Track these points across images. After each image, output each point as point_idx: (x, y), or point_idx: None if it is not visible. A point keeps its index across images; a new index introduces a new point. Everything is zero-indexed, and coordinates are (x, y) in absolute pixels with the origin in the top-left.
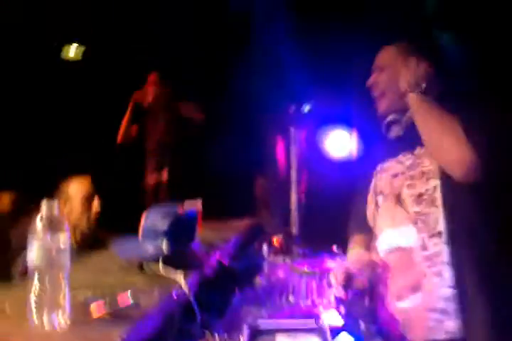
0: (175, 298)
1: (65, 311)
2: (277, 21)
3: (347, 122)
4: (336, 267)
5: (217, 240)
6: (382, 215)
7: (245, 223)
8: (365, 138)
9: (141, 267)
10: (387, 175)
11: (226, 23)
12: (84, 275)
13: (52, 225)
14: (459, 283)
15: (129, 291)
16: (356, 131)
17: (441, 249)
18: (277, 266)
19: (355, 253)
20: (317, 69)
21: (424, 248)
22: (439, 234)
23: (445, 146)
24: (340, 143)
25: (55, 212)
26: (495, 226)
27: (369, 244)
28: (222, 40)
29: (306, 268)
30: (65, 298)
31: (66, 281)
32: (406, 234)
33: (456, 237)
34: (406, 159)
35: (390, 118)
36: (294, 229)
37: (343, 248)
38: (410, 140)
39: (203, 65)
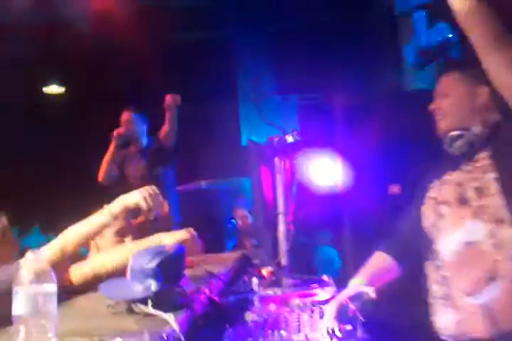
0: (165, 338)
1: None
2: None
3: (332, 151)
4: (329, 299)
5: (205, 275)
6: (447, 219)
7: (233, 256)
8: (351, 166)
9: (130, 308)
10: (450, 185)
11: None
12: (72, 320)
13: (38, 275)
14: None
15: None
16: (342, 160)
17: (509, 233)
18: (268, 299)
19: (355, 284)
20: (301, 98)
21: (492, 236)
22: (503, 220)
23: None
24: (326, 172)
25: (41, 262)
26: None
27: (379, 270)
28: (204, 70)
29: (297, 301)
30: None
31: (53, 328)
32: (472, 229)
33: None
34: (469, 169)
35: (453, 134)
36: (283, 260)
37: (333, 277)
38: (472, 153)
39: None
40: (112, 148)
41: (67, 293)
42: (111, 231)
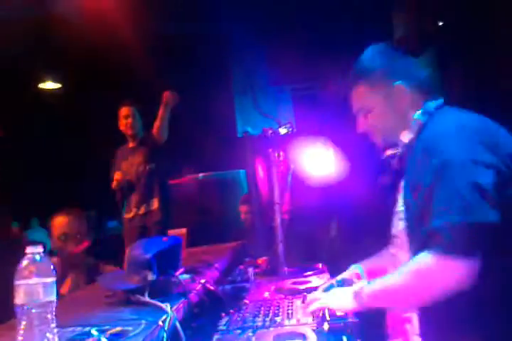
0: (161, 325)
1: None
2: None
3: (326, 141)
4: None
5: (201, 265)
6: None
7: (229, 246)
8: (345, 155)
9: (127, 298)
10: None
11: (204, 45)
12: (72, 311)
13: (38, 269)
14: None
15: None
16: (336, 150)
17: None
18: (263, 287)
19: (351, 269)
20: (295, 89)
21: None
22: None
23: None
24: (320, 162)
25: (41, 256)
26: None
27: (383, 265)
28: (199, 62)
29: (291, 287)
30: (53, 335)
31: (53, 318)
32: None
33: None
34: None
35: (388, 154)
36: (279, 249)
37: (328, 266)
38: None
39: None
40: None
41: None
42: None
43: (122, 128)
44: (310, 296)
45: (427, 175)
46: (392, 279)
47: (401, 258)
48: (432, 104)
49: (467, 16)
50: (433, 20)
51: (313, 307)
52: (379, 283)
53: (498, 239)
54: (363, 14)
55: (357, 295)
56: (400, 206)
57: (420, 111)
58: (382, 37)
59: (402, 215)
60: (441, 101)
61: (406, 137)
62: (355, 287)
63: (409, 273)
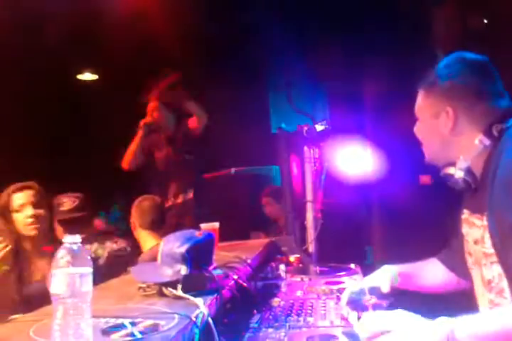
0: (194, 320)
1: (89, 339)
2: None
3: (362, 138)
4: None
5: (234, 260)
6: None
7: (261, 242)
8: (381, 155)
9: (160, 291)
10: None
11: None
12: (105, 302)
13: (75, 258)
14: None
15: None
16: (372, 148)
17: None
18: (295, 286)
19: (384, 269)
20: (331, 86)
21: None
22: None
23: None
24: (355, 161)
25: (78, 246)
26: None
27: (420, 272)
28: (235, 58)
29: (324, 288)
30: (88, 325)
31: (88, 309)
32: None
33: None
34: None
35: (444, 173)
36: (311, 248)
37: (360, 265)
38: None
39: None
40: (138, 136)
41: None
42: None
43: (150, 118)
44: (364, 326)
45: None
46: (499, 323)
47: (474, 275)
48: (497, 127)
49: None
50: (478, 18)
51: None
52: (481, 324)
53: None
54: (402, 12)
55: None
56: (477, 223)
57: (482, 136)
58: (421, 35)
59: (476, 233)
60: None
61: (465, 163)
62: (441, 323)
63: None
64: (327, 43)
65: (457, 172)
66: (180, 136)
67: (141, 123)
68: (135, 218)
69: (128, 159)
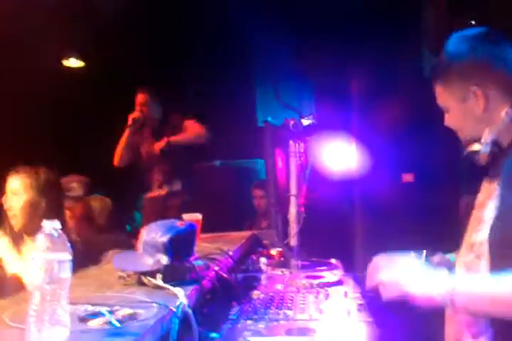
0: (173, 310)
1: (66, 326)
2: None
3: (347, 134)
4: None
5: (215, 252)
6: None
7: (243, 235)
8: (365, 151)
9: (140, 280)
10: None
11: (227, 34)
12: (84, 289)
13: (53, 244)
14: None
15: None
16: (357, 144)
17: None
18: (275, 279)
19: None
20: (318, 82)
21: None
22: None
23: None
24: (339, 156)
25: (56, 231)
26: None
27: None
28: (223, 52)
29: (304, 282)
30: (65, 312)
31: (66, 296)
32: None
33: None
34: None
35: (469, 150)
36: (293, 242)
37: (341, 260)
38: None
39: (203, 74)
40: (127, 132)
41: None
42: None
43: (139, 114)
44: (387, 273)
45: None
46: (502, 285)
47: (480, 266)
48: None
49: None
50: (465, 19)
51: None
52: (484, 284)
53: None
54: (392, 9)
55: (450, 288)
56: (489, 210)
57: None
58: (411, 33)
59: (488, 221)
60: None
61: (490, 135)
62: (449, 276)
63: None
64: (314, 40)
65: (483, 148)
66: (169, 130)
67: (130, 119)
68: None
69: (118, 157)
